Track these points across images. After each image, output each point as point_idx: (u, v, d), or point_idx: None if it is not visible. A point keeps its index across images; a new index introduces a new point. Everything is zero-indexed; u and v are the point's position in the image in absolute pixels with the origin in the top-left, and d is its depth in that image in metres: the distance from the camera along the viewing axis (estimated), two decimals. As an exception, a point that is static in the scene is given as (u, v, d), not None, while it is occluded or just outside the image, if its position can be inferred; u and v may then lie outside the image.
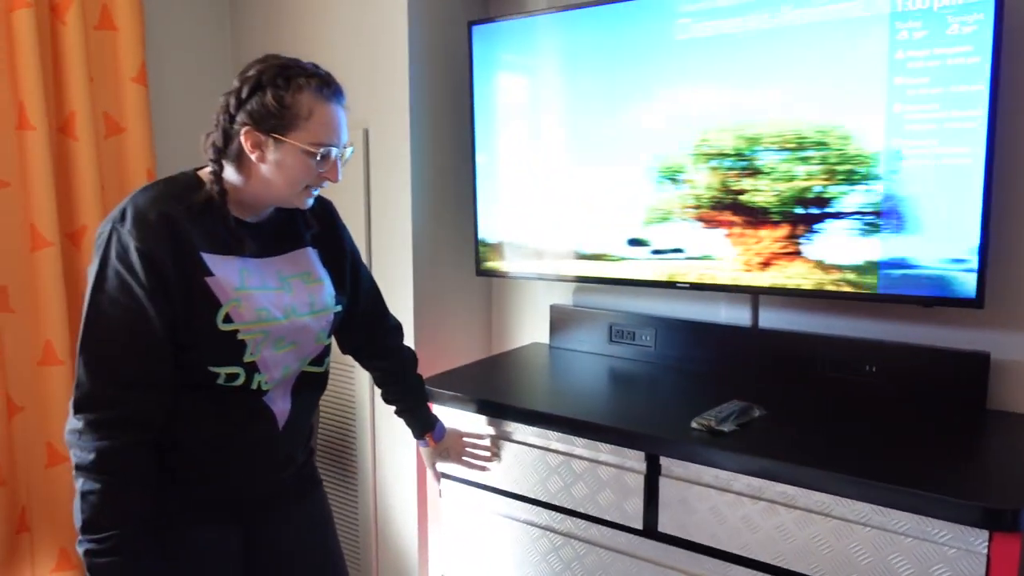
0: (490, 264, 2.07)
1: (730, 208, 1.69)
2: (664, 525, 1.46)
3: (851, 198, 1.57)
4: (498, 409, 1.65)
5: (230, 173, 1.19)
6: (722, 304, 1.89)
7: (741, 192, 1.68)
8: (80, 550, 1.10)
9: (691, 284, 1.78)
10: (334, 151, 1.19)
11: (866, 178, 1.55)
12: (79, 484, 1.09)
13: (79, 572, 2.04)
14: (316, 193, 1.25)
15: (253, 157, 1.16)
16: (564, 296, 2.17)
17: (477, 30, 1.99)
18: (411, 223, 2.00)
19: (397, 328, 1.57)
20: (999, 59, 1.41)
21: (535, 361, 2.05)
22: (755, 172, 1.66)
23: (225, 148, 1.17)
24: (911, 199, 1.51)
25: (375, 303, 1.51)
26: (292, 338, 1.25)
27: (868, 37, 1.52)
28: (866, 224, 1.56)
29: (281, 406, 1.27)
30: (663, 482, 1.45)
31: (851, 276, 1.58)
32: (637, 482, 1.47)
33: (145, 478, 1.12)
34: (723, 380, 1.78)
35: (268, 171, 1.17)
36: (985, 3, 1.40)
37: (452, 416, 1.72)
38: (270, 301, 1.21)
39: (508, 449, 1.65)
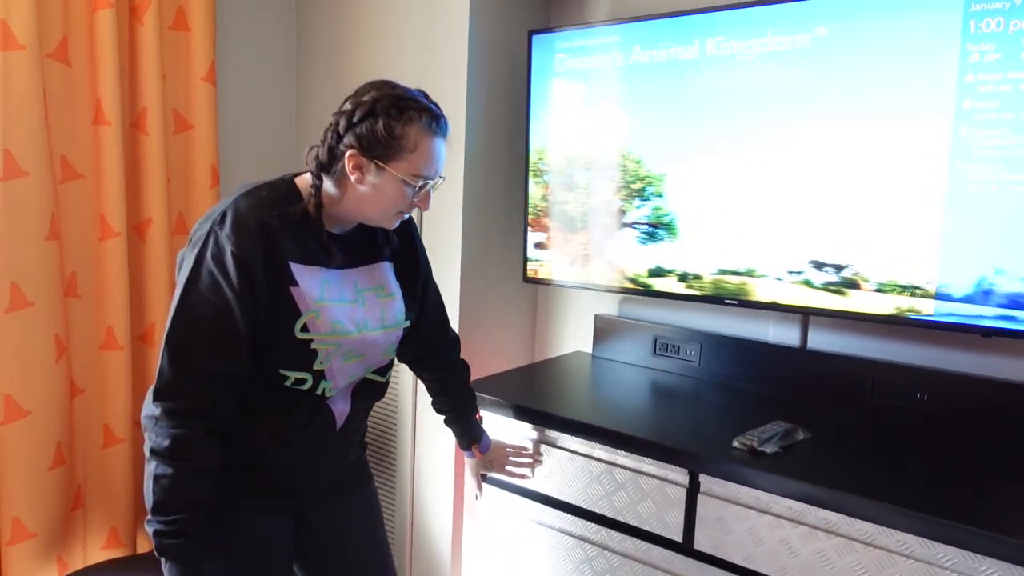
0: (536, 271, 2.08)
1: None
2: (700, 543, 1.45)
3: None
4: (538, 417, 1.66)
5: (328, 187, 1.23)
6: (771, 323, 1.87)
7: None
8: (149, 529, 1.15)
9: (739, 301, 1.76)
10: (430, 183, 1.23)
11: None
12: (152, 467, 1.14)
13: (127, 550, 2.12)
14: (405, 217, 1.30)
15: (352, 178, 1.20)
16: (610, 307, 2.17)
17: (537, 39, 2.01)
18: (461, 226, 2.03)
19: (455, 341, 1.59)
20: (1073, 84, 1.36)
21: (577, 370, 2.05)
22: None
23: (328, 165, 1.21)
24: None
25: (439, 319, 1.54)
26: (361, 350, 1.29)
27: (938, 59, 1.48)
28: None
29: (341, 408, 1.32)
30: (701, 499, 1.44)
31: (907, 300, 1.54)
32: (679, 495, 1.47)
33: (213, 466, 1.18)
34: (768, 400, 1.76)
35: (365, 193, 1.21)
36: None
37: (492, 420, 1.74)
38: (345, 314, 1.26)
39: (551, 455, 1.66)
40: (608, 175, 1.94)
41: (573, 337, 2.27)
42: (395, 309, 1.35)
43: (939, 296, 1.51)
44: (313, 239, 1.23)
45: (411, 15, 2.10)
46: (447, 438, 1.87)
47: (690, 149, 1.80)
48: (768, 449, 1.42)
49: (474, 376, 1.97)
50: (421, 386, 2.16)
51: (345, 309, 1.26)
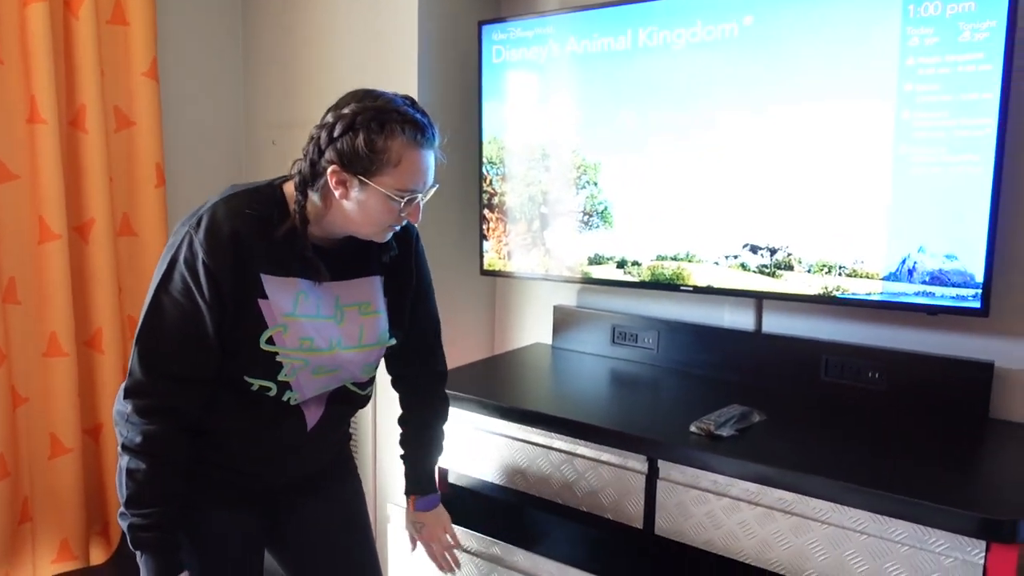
0: (494, 264, 2.08)
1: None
2: (660, 528, 1.45)
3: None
4: (497, 409, 1.65)
5: (313, 201, 1.19)
6: (726, 308, 1.88)
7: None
8: (124, 523, 1.16)
9: (694, 288, 1.77)
10: (418, 196, 1.19)
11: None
12: (124, 461, 1.15)
13: (80, 562, 2.05)
14: (397, 229, 1.24)
15: (336, 194, 1.15)
16: (568, 297, 2.17)
17: (487, 29, 1.99)
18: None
19: (440, 376, 1.49)
20: (1011, 67, 1.39)
21: (537, 362, 2.04)
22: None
23: (311, 180, 1.17)
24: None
25: (425, 345, 1.46)
26: (332, 367, 1.26)
27: (878, 42, 1.51)
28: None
29: (314, 411, 1.29)
30: (661, 485, 1.44)
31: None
32: (639, 482, 1.47)
33: (182, 461, 1.19)
34: (725, 384, 1.77)
35: (350, 208, 1.17)
36: (997, 9, 1.39)
37: (453, 414, 1.72)
38: (317, 330, 1.23)
39: (510, 446, 1.65)
40: (546, 165, 1.94)
41: (532, 328, 2.27)
42: (378, 327, 1.30)
43: (887, 277, 1.54)
44: (294, 251, 1.19)
45: (359, 7, 2.07)
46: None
47: (624, 138, 1.81)
48: (724, 432, 1.43)
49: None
50: (381, 388, 2.14)
51: (319, 325, 1.23)
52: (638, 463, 1.47)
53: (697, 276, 1.76)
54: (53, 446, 1.97)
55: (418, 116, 1.16)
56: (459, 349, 2.19)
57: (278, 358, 1.20)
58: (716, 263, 1.74)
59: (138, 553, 1.16)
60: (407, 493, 1.50)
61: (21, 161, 1.88)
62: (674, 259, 1.79)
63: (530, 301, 2.27)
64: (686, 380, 1.84)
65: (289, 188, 1.22)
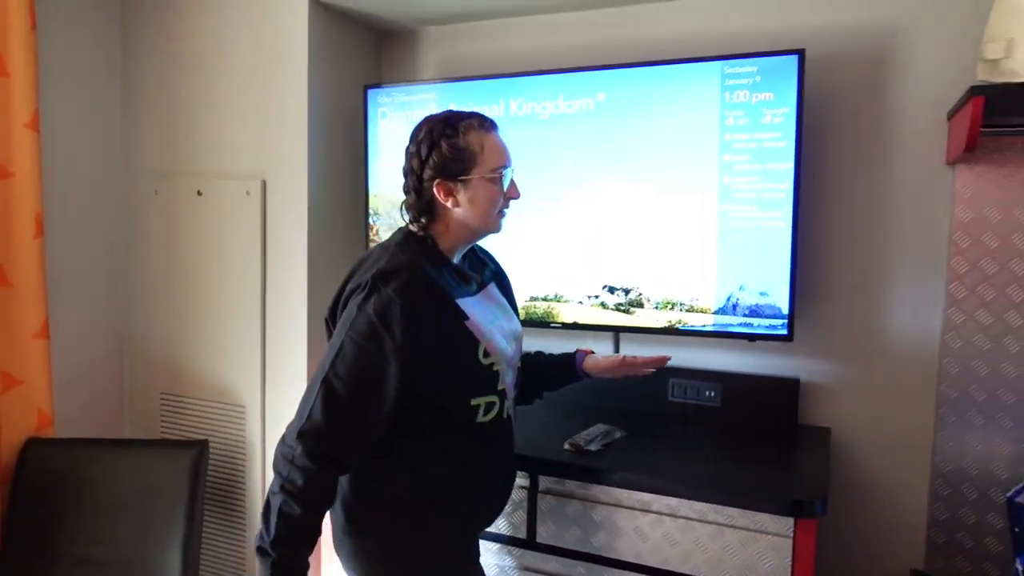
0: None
1: (595, 258, 1.97)
2: (541, 536, 1.66)
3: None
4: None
5: (434, 225, 1.33)
6: (589, 340, 2.15)
7: (604, 245, 1.95)
8: (265, 559, 1.19)
9: (563, 324, 2.03)
10: (509, 171, 1.34)
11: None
12: (279, 501, 1.19)
13: None
14: (506, 215, 1.38)
15: (448, 204, 1.30)
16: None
17: (372, 92, 2.19)
18: (306, 269, 2.14)
19: None
20: (801, 144, 1.77)
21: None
22: (615, 228, 1.94)
23: (423, 207, 1.31)
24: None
25: None
26: (512, 363, 1.40)
27: (705, 120, 1.85)
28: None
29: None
30: (540, 498, 1.66)
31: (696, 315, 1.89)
32: (521, 496, 1.67)
33: (326, 510, 1.25)
34: (591, 408, 2.04)
35: (463, 212, 1.31)
36: (789, 99, 1.77)
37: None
38: (500, 331, 1.37)
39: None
40: None
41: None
42: (516, 321, 1.47)
43: (717, 312, 1.87)
44: (453, 274, 1.32)
45: (247, 65, 2.20)
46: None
47: None
48: (593, 447, 1.68)
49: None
50: (269, 430, 2.22)
51: (500, 326, 1.38)
52: (520, 479, 1.67)
53: (565, 314, 2.03)
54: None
55: (475, 111, 1.34)
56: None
57: (495, 367, 1.31)
58: (580, 302, 2.01)
59: None
60: (576, 374, 1.58)
61: None
62: (544, 299, 2.05)
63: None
64: (556, 406, 2.08)
65: (411, 230, 1.34)
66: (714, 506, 1.50)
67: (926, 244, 1.84)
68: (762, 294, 1.82)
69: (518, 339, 1.45)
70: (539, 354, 1.61)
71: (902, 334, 1.86)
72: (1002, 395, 1.75)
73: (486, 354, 1.31)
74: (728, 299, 1.86)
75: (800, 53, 1.75)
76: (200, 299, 2.30)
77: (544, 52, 2.19)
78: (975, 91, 1.47)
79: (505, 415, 1.38)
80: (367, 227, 2.22)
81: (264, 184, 2.18)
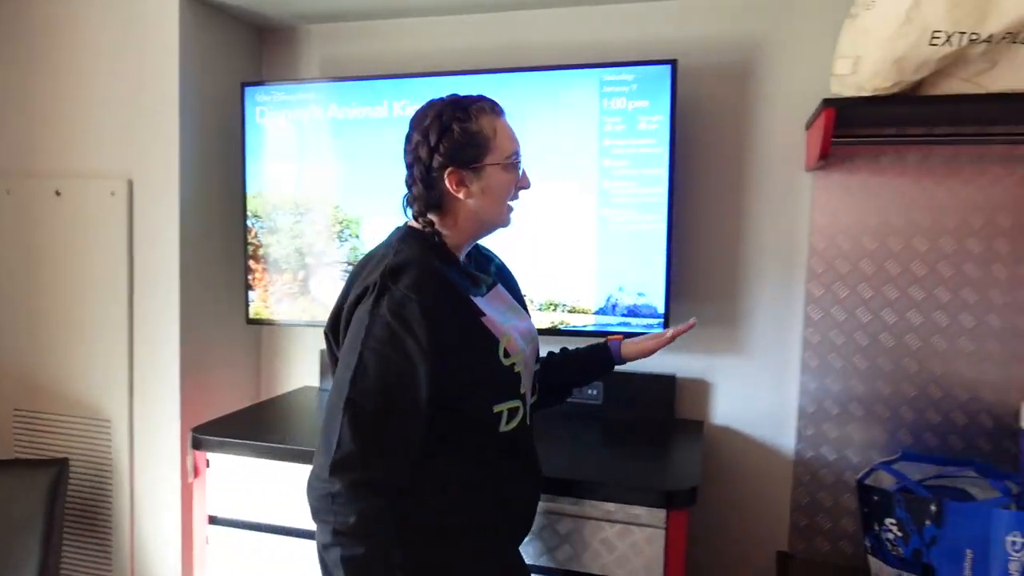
0: (260, 312, 2.16)
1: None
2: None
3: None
4: (267, 451, 1.74)
5: (442, 219, 1.21)
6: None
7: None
8: None
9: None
10: (520, 158, 1.24)
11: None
12: (337, 553, 1.03)
13: None
14: (514, 209, 1.28)
15: (460, 195, 1.18)
16: (334, 341, 2.31)
17: (249, 91, 2.11)
18: (178, 275, 2.03)
19: None
20: (675, 150, 1.85)
21: (306, 404, 2.15)
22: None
23: (432, 199, 1.19)
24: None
25: None
26: (530, 366, 1.29)
27: (584, 125, 1.90)
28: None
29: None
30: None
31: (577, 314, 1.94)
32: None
33: (401, 535, 1.09)
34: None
35: (475, 202, 1.20)
36: (664, 107, 1.84)
37: (222, 461, 1.77)
38: (516, 330, 1.25)
39: (281, 488, 1.74)
40: (311, 219, 2.11)
41: (300, 373, 2.37)
42: (530, 322, 1.36)
43: (597, 312, 1.92)
44: (461, 272, 1.22)
45: (114, 56, 2.07)
46: (171, 496, 1.82)
47: (382, 195, 2.04)
48: (478, 449, 1.68)
49: (199, 420, 1.99)
50: (138, 445, 2.10)
51: (511, 327, 1.25)
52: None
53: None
54: None
55: (483, 95, 1.23)
56: (224, 396, 2.22)
57: (516, 368, 1.21)
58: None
59: None
60: (612, 362, 1.47)
61: None
62: (430, 302, 2.03)
63: (296, 347, 2.37)
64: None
65: (414, 227, 1.23)
66: (591, 502, 1.54)
67: (788, 245, 1.96)
68: (640, 295, 1.89)
69: (534, 340, 1.35)
70: (565, 350, 1.51)
71: (767, 329, 1.98)
72: (853, 386, 1.89)
73: (507, 354, 1.20)
74: (608, 300, 1.91)
75: (673, 63, 1.83)
76: (59, 307, 2.14)
77: (430, 55, 2.18)
78: (827, 103, 1.59)
79: (528, 421, 1.28)
80: (245, 229, 2.14)
81: (131, 184, 2.06)
